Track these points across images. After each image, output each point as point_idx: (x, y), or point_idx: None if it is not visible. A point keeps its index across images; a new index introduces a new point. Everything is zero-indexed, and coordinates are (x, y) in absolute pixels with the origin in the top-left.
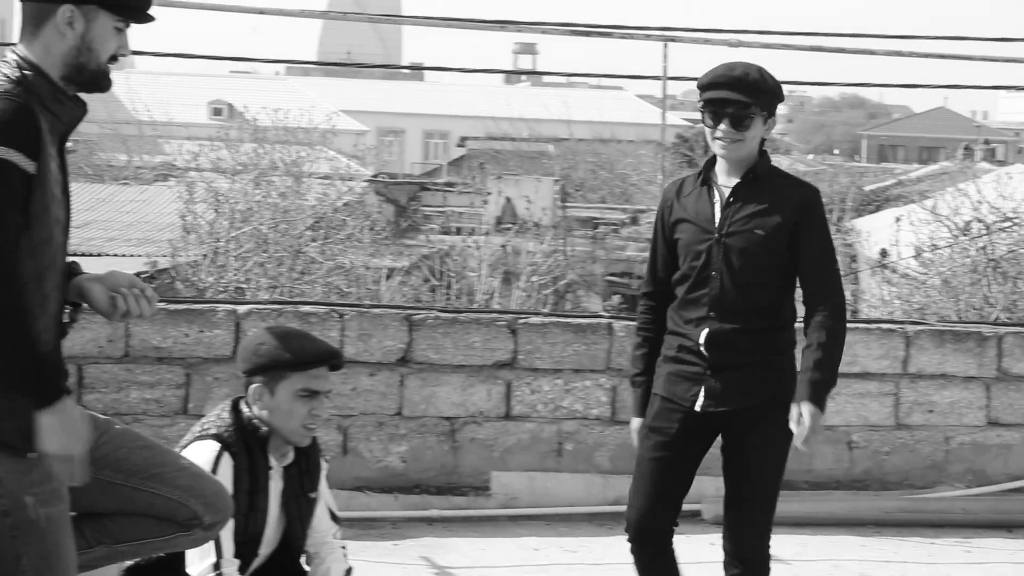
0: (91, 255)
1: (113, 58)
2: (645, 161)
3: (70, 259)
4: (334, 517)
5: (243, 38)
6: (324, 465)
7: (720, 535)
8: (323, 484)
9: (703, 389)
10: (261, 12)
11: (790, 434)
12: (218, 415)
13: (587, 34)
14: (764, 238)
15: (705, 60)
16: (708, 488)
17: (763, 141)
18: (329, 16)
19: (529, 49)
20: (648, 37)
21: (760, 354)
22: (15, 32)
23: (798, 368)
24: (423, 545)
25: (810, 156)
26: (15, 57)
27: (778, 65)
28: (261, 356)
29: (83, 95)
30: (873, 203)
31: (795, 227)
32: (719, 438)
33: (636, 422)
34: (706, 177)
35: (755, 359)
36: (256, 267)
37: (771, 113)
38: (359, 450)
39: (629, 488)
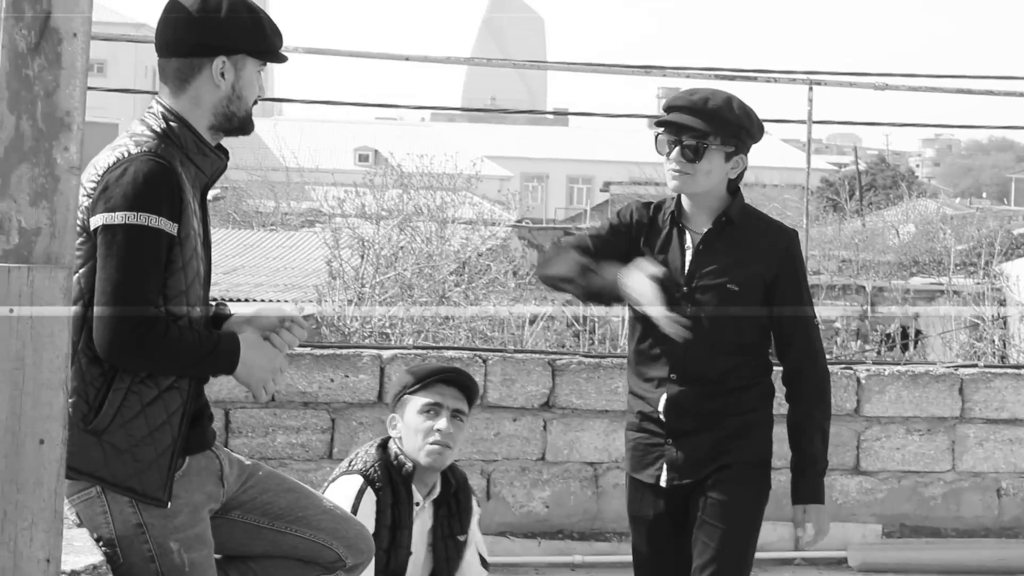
0: (239, 300)
1: (255, 101)
2: (790, 205)
3: (217, 300)
4: (484, 562)
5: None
6: (476, 509)
7: None
8: (474, 527)
9: (665, 462)
10: (407, 59)
11: (763, 493)
12: (366, 451)
13: (731, 78)
14: (738, 294)
15: (851, 103)
16: (854, 535)
17: (732, 182)
18: (474, 62)
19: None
20: (793, 81)
21: (728, 416)
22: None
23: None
24: None
25: (958, 200)
26: (161, 109)
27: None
28: (393, 388)
29: (228, 140)
30: (1022, 247)
31: (772, 279)
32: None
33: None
34: (676, 218)
35: (722, 423)
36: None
37: (738, 149)
38: (502, 495)
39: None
